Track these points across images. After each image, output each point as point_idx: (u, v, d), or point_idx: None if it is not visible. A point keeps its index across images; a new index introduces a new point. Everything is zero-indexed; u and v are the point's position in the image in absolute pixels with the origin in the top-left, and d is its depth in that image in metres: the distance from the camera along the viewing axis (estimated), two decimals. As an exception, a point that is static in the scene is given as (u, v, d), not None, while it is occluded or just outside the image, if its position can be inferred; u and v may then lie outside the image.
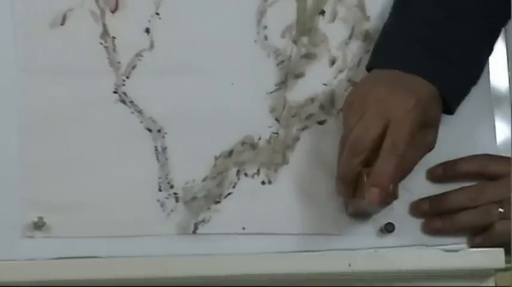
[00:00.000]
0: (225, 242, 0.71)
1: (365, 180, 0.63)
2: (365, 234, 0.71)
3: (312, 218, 0.71)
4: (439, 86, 0.67)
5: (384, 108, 0.63)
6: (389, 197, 0.63)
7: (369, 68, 0.72)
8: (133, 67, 0.74)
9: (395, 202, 0.66)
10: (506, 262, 0.69)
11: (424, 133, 0.67)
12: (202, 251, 0.70)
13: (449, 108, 0.69)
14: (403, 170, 0.66)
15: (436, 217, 0.71)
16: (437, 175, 0.73)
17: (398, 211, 0.71)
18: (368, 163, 0.64)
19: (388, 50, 0.70)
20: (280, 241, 0.71)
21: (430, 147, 0.68)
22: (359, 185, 0.64)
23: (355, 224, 0.71)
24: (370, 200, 0.62)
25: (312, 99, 0.74)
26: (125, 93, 0.74)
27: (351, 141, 0.64)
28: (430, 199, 0.72)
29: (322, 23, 0.75)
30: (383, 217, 0.71)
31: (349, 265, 0.69)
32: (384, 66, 0.69)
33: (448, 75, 0.68)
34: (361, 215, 0.71)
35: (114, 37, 0.74)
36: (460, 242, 0.72)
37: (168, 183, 0.72)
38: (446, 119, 0.70)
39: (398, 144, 0.62)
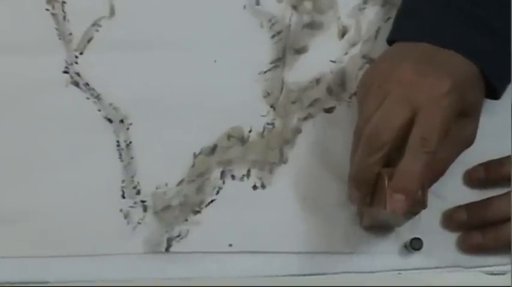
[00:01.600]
0: (207, 263, 0.64)
1: (386, 184, 0.56)
2: (385, 253, 0.65)
3: (317, 233, 0.65)
4: (482, 64, 0.60)
5: (411, 92, 0.57)
6: (416, 205, 0.57)
7: (390, 41, 0.65)
8: (89, 40, 0.69)
9: (423, 212, 0.59)
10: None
11: (461, 124, 0.60)
12: (178, 274, 0.64)
13: (494, 92, 0.62)
14: (435, 172, 0.60)
15: (475, 230, 0.65)
16: (477, 177, 0.66)
17: (427, 223, 0.65)
18: (390, 161, 0.58)
19: (416, 17, 0.63)
20: (277, 261, 0.65)
21: (469, 142, 0.61)
22: (378, 190, 0.58)
23: (372, 239, 0.65)
24: (393, 210, 0.56)
25: (317, 81, 0.68)
26: (78, 74, 0.68)
27: (368, 133, 0.58)
28: (468, 207, 0.65)
29: (329, -18, 0.70)
30: (408, 230, 0.64)
31: None
32: (409, 39, 0.62)
33: (492, 50, 0.61)
34: (380, 228, 0.64)
35: (64, 2, 0.70)
36: (506, 263, 0.65)
37: (134, 188, 0.65)
38: (487, 106, 0.64)
39: (429, 138, 0.56)
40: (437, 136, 0.56)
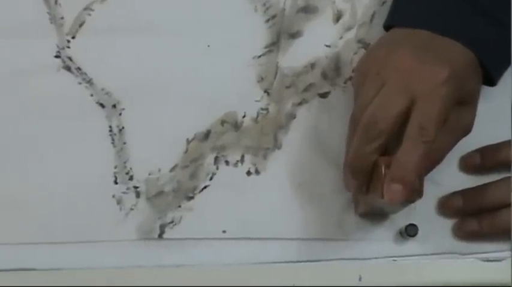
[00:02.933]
0: (200, 250, 0.64)
1: (383, 172, 0.55)
2: (380, 239, 0.64)
3: (312, 219, 0.64)
4: (480, 52, 0.59)
5: (409, 81, 0.56)
6: (413, 194, 0.56)
7: (387, 27, 0.64)
8: (81, 24, 0.68)
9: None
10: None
11: (459, 113, 0.59)
12: (171, 262, 0.63)
13: (490, 79, 0.61)
14: (433, 160, 0.59)
15: (471, 216, 0.64)
16: (473, 163, 0.65)
17: (422, 210, 0.64)
18: (387, 149, 0.57)
19: (414, 3, 0.62)
20: (271, 248, 0.64)
21: (467, 130, 0.61)
22: (374, 178, 0.57)
23: (367, 226, 0.64)
24: (390, 199, 0.55)
25: (312, 66, 0.68)
26: (70, 58, 0.67)
27: (365, 121, 0.57)
28: (464, 193, 0.65)
29: (324, -35, 0.69)
30: (403, 217, 0.63)
31: (360, 279, 0.63)
32: (407, 25, 0.61)
33: (490, 38, 0.60)
34: (375, 215, 0.64)
35: (55, -15, 0.68)
36: (502, 249, 0.64)
37: (127, 173, 0.65)
38: (483, 92, 0.63)
39: (427, 127, 0.55)
40: (436, 125, 0.56)
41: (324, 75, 0.68)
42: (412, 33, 0.61)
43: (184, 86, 0.67)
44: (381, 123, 0.56)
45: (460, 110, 0.59)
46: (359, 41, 0.69)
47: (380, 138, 0.56)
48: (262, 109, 0.67)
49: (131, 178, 0.65)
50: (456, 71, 0.57)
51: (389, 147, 0.57)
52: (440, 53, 0.58)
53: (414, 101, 0.56)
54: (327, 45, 0.69)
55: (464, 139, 0.62)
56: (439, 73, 0.57)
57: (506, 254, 0.64)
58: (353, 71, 0.67)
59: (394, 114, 0.56)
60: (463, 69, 0.58)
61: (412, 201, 0.57)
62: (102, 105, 0.66)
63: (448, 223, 0.65)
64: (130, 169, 0.65)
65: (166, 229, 0.64)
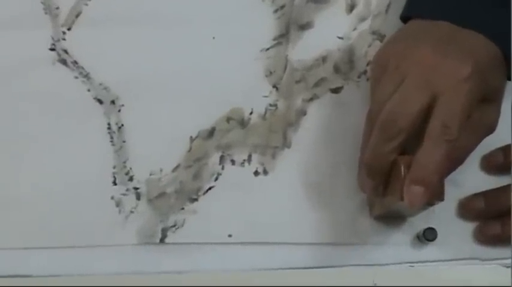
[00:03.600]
0: (204, 255, 0.63)
1: (403, 174, 0.55)
2: (396, 244, 0.63)
3: (323, 223, 0.64)
4: (504, 45, 0.58)
5: (431, 76, 0.56)
6: (434, 196, 0.55)
7: (404, 18, 0.63)
8: (77, 15, 0.68)
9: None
10: None
11: (483, 110, 0.59)
12: (173, 268, 0.63)
13: None
14: (455, 160, 0.59)
15: (493, 219, 0.63)
16: (495, 163, 0.64)
17: (441, 213, 0.63)
18: (406, 149, 0.56)
19: None
20: (280, 253, 0.63)
21: (491, 129, 0.60)
22: (392, 179, 0.56)
23: (382, 230, 0.64)
24: (410, 202, 0.54)
25: (324, 59, 0.67)
26: (65, 51, 0.67)
27: (383, 118, 0.56)
28: (486, 194, 0.64)
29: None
30: (421, 220, 0.63)
31: (374, 286, 0.62)
32: (426, 16, 0.61)
33: None
34: (392, 218, 0.63)
35: (50, -27, 0.69)
36: None
37: (127, 174, 0.64)
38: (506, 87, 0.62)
39: (450, 125, 0.55)
40: (459, 123, 0.55)
41: (337, 69, 0.67)
42: (432, 26, 0.60)
43: (187, 80, 0.66)
44: (400, 121, 0.56)
45: (483, 107, 0.59)
46: (374, 33, 0.68)
47: (399, 136, 0.56)
48: (270, 105, 0.66)
49: (131, 179, 0.64)
50: (480, 65, 0.56)
51: (409, 146, 0.57)
52: (462, 46, 0.58)
53: (436, 98, 0.55)
54: (339, 37, 0.68)
55: (487, 138, 0.61)
56: (462, 68, 0.56)
57: (531, 260, 0.63)
58: (367, 64, 0.66)
59: (414, 111, 0.55)
60: (487, 63, 0.57)
61: (433, 204, 0.57)
62: (100, 101, 0.66)
63: (469, 227, 0.64)
64: (130, 169, 0.64)
65: (169, 233, 0.63)
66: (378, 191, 0.58)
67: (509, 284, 0.62)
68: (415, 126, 0.56)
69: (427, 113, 0.56)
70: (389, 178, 0.57)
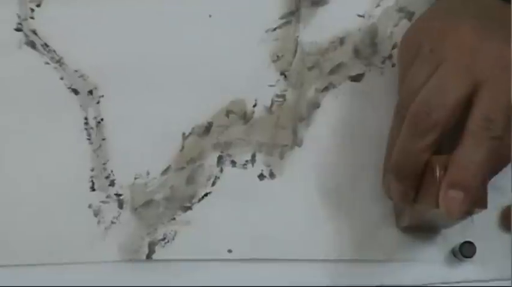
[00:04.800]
0: (199, 274, 0.60)
1: (438, 176, 0.52)
2: (428, 261, 0.60)
3: (341, 236, 0.61)
4: None
5: (472, 61, 0.54)
6: (475, 204, 0.53)
7: None
8: None
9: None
10: None
11: None
12: None
13: None
14: (500, 161, 0.55)
15: None
16: None
17: (481, 224, 0.60)
18: (441, 147, 0.54)
19: None
20: (289, 271, 0.60)
21: None
22: (425, 183, 0.54)
23: (412, 244, 0.61)
24: (448, 209, 0.52)
25: (341, 41, 0.64)
26: (34, 32, 0.64)
27: (415, 110, 0.54)
28: None
29: None
30: (457, 233, 0.60)
31: None
32: None
33: None
34: (423, 230, 0.60)
35: None
36: None
37: (107, 178, 0.61)
38: None
39: (494, 119, 0.52)
40: (504, 117, 0.52)
41: (357, 53, 0.65)
42: (469, 3, 0.58)
43: (178, 67, 0.64)
44: (435, 113, 0.53)
45: None
46: (400, 10, 0.65)
47: (434, 132, 0.53)
48: (277, 96, 0.64)
49: (112, 184, 0.62)
50: None
51: (445, 144, 0.54)
52: (505, 25, 0.55)
53: (478, 87, 0.53)
54: (359, 15, 0.65)
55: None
56: (508, 51, 0.53)
57: None
58: (394, 47, 0.64)
59: (452, 102, 0.53)
60: None
61: (473, 213, 0.53)
62: (76, 92, 0.63)
63: (512, 241, 0.63)
64: (111, 171, 0.62)
65: (157, 248, 0.60)
66: (407, 198, 0.56)
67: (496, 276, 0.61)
68: (453, 120, 0.53)
69: (467, 105, 0.53)
70: (422, 182, 0.55)
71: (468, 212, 0.53)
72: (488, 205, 0.55)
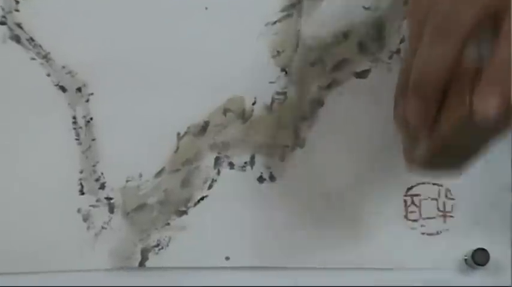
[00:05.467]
0: (195, 283, 0.60)
1: (470, 79, 0.50)
2: (439, 268, 0.59)
3: (345, 242, 0.60)
4: None
5: None
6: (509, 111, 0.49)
7: None
8: None
9: (488, 213, 0.56)
10: None
11: None
12: None
13: None
14: None
15: None
16: None
17: (494, 229, 0.60)
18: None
19: None
20: (290, 280, 0.60)
21: None
22: (451, 94, 0.51)
23: (422, 251, 0.59)
24: (483, 110, 0.48)
25: (345, 35, 0.62)
26: (19, 25, 0.62)
27: (441, 10, 0.51)
28: None
29: None
30: (468, 238, 0.59)
31: None
32: None
33: None
34: (441, 165, 0.55)
35: None
36: None
37: (97, 181, 0.60)
38: None
39: None
40: None
41: (362, 48, 0.62)
42: None
43: (173, 62, 0.62)
44: (463, 13, 0.50)
45: None
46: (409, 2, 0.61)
47: (462, 32, 0.50)
48: (278, 94, 0.61)
49: (102, 187, 0.60)
50: None
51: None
52: None
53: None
54: (365, 8, 0.62)
55: None
56: None
57: None
58: (401, 42, 0.61)
59: (480, 4, 0.49)
60: None
61: (508, 123, 0.50)
62: (63, 89, 0.61)
63: (530, 247, 0.61)
64: (102, 174, 0.60)
65: (150, 255, 0.59)
66: (428, 115, 0.52)
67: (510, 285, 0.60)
68: (482, 23, 0.49)
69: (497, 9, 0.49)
70: (445, 97, 0.51)
71: (504, 122, 0.50)
72: (502, 211, 0.56)
